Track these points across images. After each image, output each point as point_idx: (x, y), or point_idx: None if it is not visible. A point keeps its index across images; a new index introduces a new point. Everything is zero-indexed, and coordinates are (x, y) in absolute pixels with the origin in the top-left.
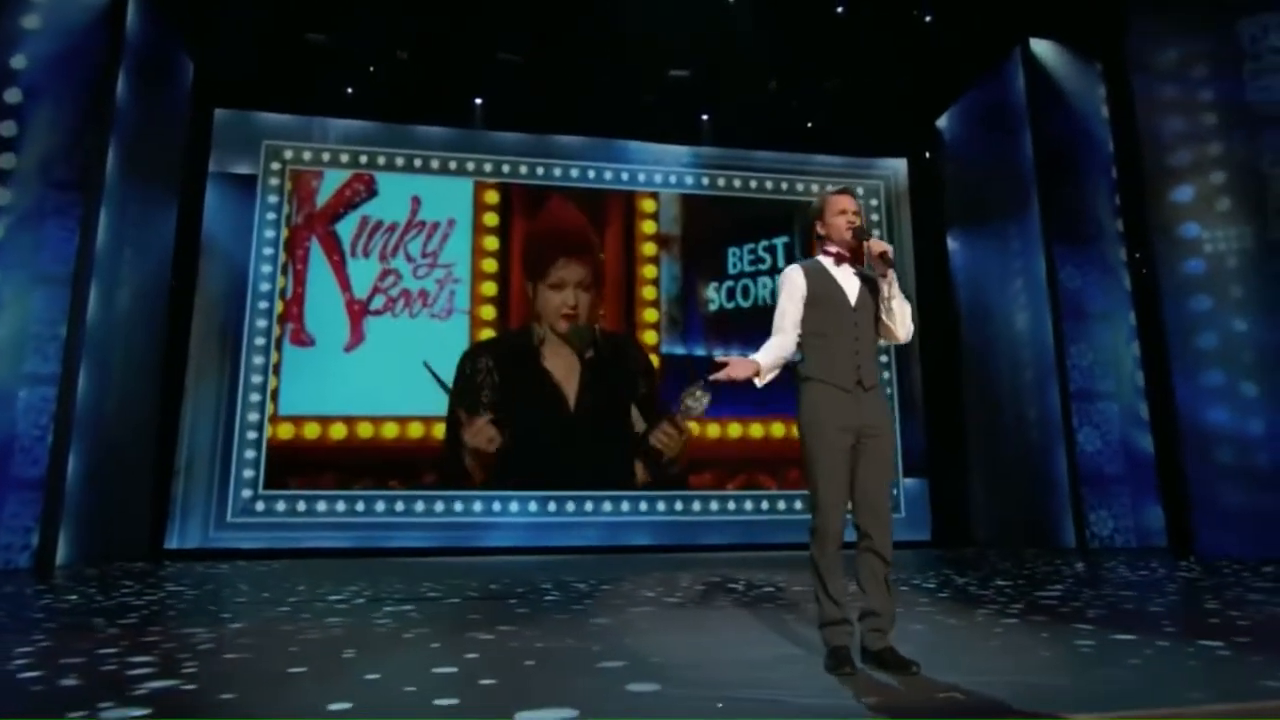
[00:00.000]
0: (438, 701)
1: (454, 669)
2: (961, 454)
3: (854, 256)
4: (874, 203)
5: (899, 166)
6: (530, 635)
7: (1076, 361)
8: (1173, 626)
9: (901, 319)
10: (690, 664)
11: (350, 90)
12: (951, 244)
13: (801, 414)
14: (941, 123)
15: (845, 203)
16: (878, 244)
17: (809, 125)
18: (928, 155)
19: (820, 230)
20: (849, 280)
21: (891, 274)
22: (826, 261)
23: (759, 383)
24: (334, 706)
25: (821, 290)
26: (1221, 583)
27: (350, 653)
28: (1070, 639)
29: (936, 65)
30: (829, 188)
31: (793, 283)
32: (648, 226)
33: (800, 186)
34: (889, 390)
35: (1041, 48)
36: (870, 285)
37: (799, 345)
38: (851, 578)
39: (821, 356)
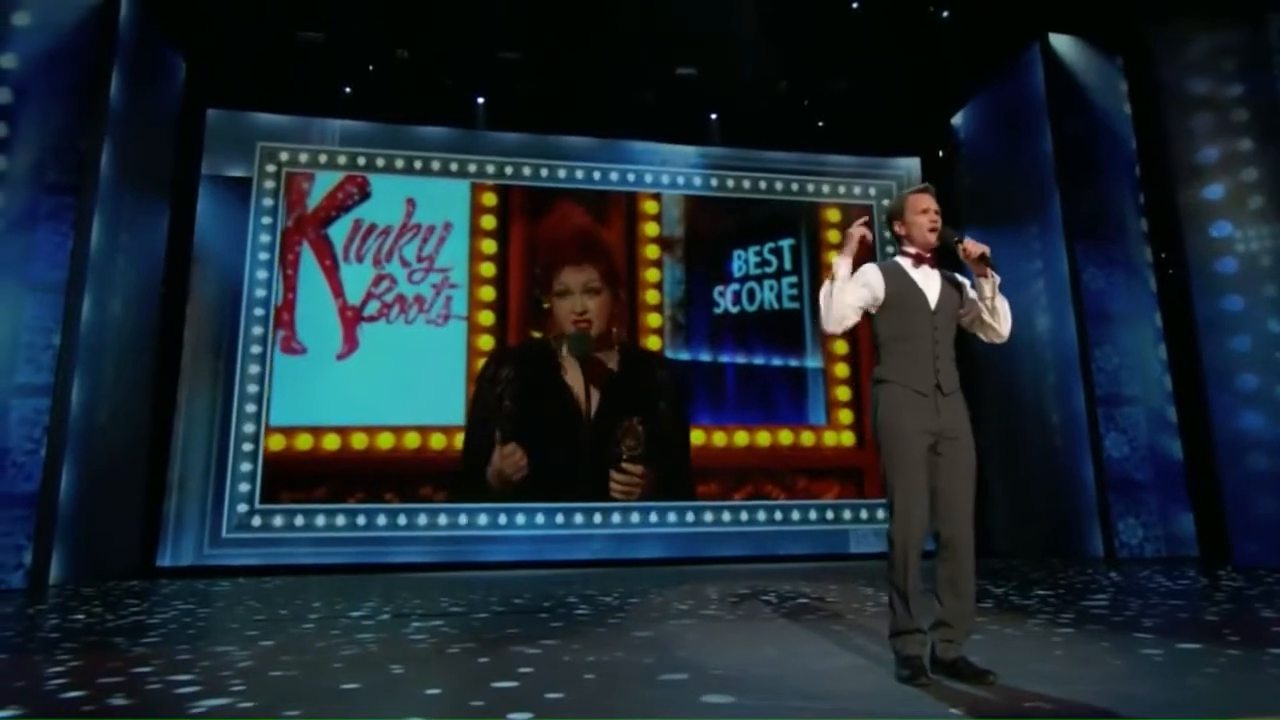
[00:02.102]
0: (512, 716)
1: (514, 683)
2: (982, 460)
3: (933, 257)
4: (886, 203)
5: (912, 166)
6: (578, 649)
7: (1102, 365)
8: (1236, 635)
9: (1004, 317)
10: (756, 675)
11: (348, 90)
12: None
13: (878, 418)
14: (956, 120)
15: (926, 201)
16: (974, 245)
17: (820, 124)
18: (941, 154)
19: (899, 231)
20: (929, 282)
21: (992, 273)
22: (905, 263)
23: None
24: None
25: (900, 293)
26: (1270, 591)
27: (399, 668)
28: (1135, 648)
29: (952, 61)
30: (840, 189)
31: (867, 275)
32: (650, 229)
33: (810, 187)
34: None
35: (1061, 43)
36: (952, 285)
37: (876, 348)
38: (929, 587)
39: (899, 360)
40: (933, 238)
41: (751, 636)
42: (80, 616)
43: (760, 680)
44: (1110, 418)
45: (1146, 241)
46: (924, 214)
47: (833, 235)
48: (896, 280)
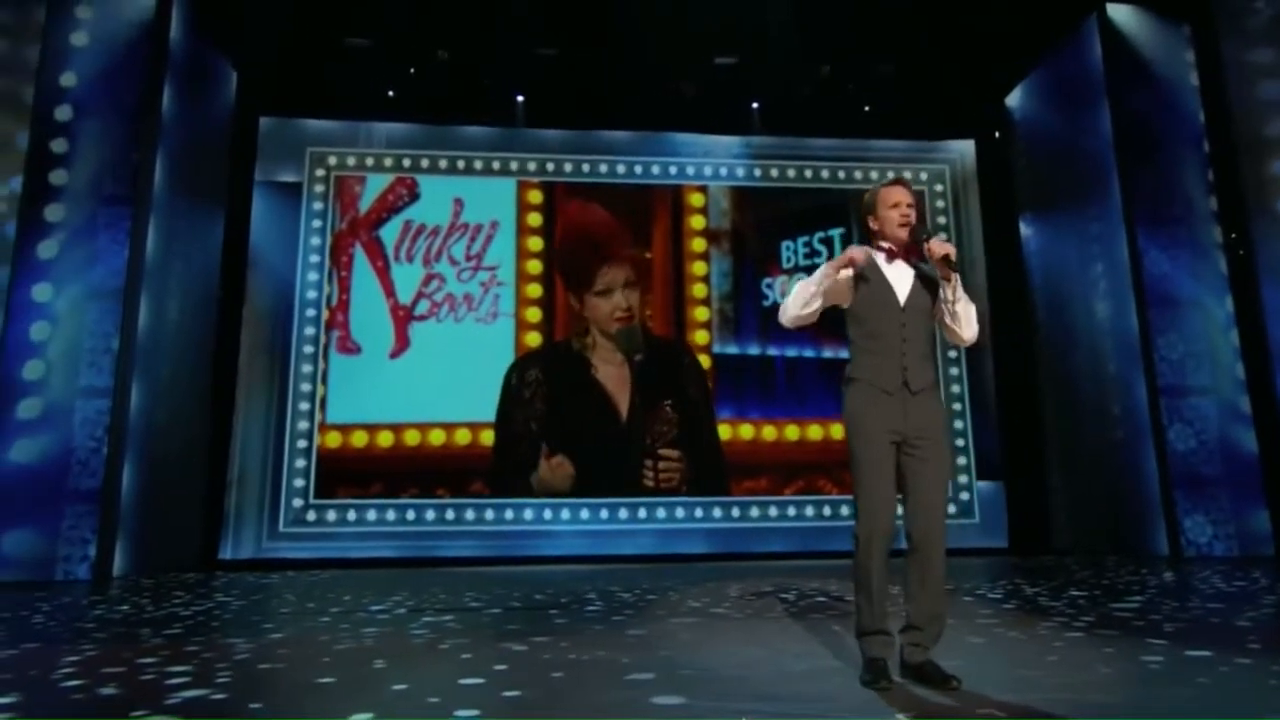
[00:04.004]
0: (459, 713)
1: (481, 680)
2: (1039, 455)
3: (907, 251)
4: (939, 188)
5: (966, 149)
6: (564, 646)
7: (1165, 354)
8: (1258, 643)
9: (967, 322)
10: (722, 676)
11: (391, 93)
12: (1024, 230)
13: (845, 416)
14: (1011, 100)
15: (898, 195)
16: (939, 245)
17: (866, 109)
18: (997, 135)
19: (873, 225)
20: (900, 278)
21: (955, 277)
22: (878, 258)
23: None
24: (356, 717)
25: (870, 289)
26: None
27: (381, 663)
28: (1137, 655)
29: (1004, 38)
30: (889, 175)
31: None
32: (696, 221)
33: (859, 174)
34: (956, 387)
35: (1120, 13)
36: (927, 282)
37: (848, 344)
38: (899, 587)
39: (867, 357)
40: (903, 233)
41: (746, 636)
42: (124, 607)
43: (724, 682)
44: (1175, 409)
45: (1215, 221)
46: (895, 209)
47: None
48: (867, 276)
